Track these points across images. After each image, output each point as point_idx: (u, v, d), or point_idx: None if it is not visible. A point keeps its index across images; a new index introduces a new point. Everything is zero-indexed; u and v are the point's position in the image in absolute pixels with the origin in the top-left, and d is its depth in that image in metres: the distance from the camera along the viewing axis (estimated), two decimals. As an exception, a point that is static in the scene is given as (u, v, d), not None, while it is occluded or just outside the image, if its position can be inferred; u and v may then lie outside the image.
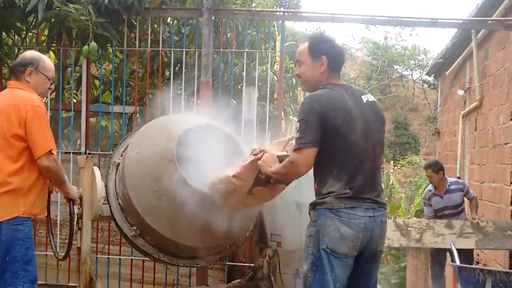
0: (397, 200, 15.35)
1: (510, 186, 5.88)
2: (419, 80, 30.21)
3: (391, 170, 20.29)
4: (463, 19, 5.93)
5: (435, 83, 11.57)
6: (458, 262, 4.83)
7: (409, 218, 12.83)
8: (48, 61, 3.51)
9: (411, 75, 31.54)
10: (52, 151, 3.23)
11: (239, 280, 4.50)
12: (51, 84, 3.57)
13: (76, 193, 3.51)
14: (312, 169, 2.77)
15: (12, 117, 3.22)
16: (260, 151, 2.93)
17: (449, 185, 6.12)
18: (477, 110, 7.59)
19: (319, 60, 2.77)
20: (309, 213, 2.86)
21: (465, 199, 6.41)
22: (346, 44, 28.73)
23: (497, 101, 6.56)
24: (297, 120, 2.78)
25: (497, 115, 6.51)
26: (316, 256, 2.68)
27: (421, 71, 28.97)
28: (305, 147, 2.64)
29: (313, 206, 2.81)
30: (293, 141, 2.79)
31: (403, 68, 31.86)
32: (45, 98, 4.38)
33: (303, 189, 4.54)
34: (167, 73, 5.40)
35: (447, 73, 9.84)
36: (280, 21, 5.71)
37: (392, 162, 23.72)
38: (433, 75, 12.53)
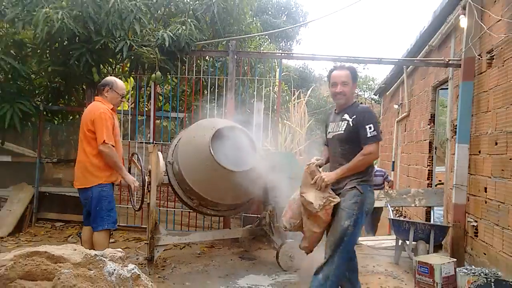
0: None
1: (426, 167, 5.89)
2: (369, 98, 30.02)
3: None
4: (399, 58, 5.94)
5: (380, 100, 11.57)
6: (391, 217, 4.85)
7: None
8: (120, 82, 3.55)
9: (364, 94, 31.34)
10: (106, 142, 3.23)
11: (250, 225, 4.56)
12: (122, 98, 3.58)
13: (131, 180, 3.46)
14: (343, 153, 2.73)
15: (88, 118, 3.31)
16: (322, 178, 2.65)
17: (375, 172, 6.25)
18: (406, 118, 7.57)
19: (355, 84, 2.83)
20: (355, 187, 2.65)
21: (385, 182, 6.79)
22: (321, 74, 28.61)
23: (419, 113, 6.55)
24: (367, 123, 2.65)
25: (419, 121, 6.50)
26: (359, 216, 2.62)
27: (370, 92, 28.86)
28: (379, 140, 2.69)
29: (359, 182, 2.67)
30: (315, 163, 2.75)
31: (359, 90, 31.65)
32: (120, 107, 4.48)
33: (293, 168, 4.62)
34: (206, 92, 5.44)
35: (387, 93, 9.78)
36: (278, 60, 5.74)
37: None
38: (378, 95, 12.45)
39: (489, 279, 2.73)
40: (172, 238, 3.89)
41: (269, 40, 10.83)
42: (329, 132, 2.87)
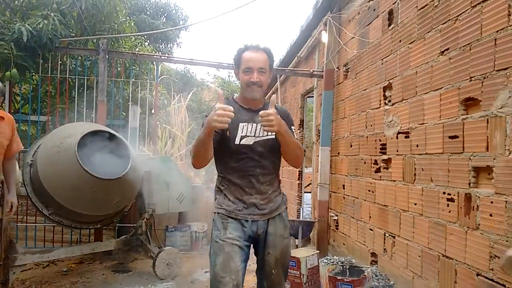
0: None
1: (297, 169, 6.40)
2: (250, 103, 31.40)
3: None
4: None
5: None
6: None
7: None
8: None
9: (245, 100, 32.65)
10: None
11: (125, 236, 4.35)
12: None
13: None
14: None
15: None
16: None
17: None
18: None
19: (270, 73, 2.04)
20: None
21: None
22: (204, 78, 28.88)
23: (291, 118, 7.07)
24: (292, 125, 2.04)
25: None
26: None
27: (251, 97, 30.23)
28: None
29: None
30: None
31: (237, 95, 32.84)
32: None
33: (171, 174, 4.57)
34: (73, 93, 5.02)
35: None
36: (157, 62, 5.62)
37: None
38: (257, 100, 13.04)
39: (344, 267, 3.10)
40: (31, 256, 3.48)
41: (148, 41, 10.51)
42: (243, 137, 1.92)
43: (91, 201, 3.49)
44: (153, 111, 5.58)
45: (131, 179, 3.66)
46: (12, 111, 4.66)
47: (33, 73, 4.63)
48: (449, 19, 2.30)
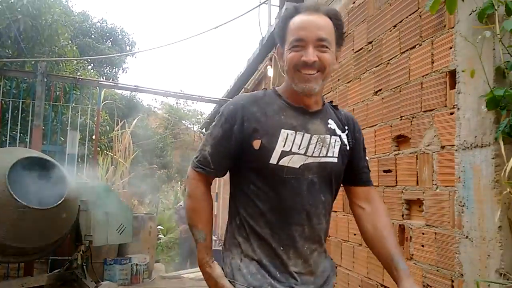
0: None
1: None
2: (198, 131, 31.22)
3: (178, 188, 20.40)
4: (219, 98, 6.40)
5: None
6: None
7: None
8: None
9: (193, 127, 32.45)
10: None
11: (59, 270, 4.05)
12: None
13: None
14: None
15: None
16: None
17: None
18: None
19: (339, 50, 1.30)
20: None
21: None
22: (150, 104, 28.54)
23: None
24: (364, 144, 1.46)
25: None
26: None
27: (199, 125, 30.11)
28: None
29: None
30: None
31: (188, 122, 32.62)
32: None
33: (111, 203, 4.37)
34: (7, 117, 4.70)
35: (210, 126, 10.34)
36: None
37: (179, 182, 23.83)
38: (204, 128, 13.10)
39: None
40: None
41: (92, 64, 10.21)
42: (286, 153, 1.20)
43: (21, 232, 3.23)
44: (93, 137, 5.38)
45: (67, 209, 3.46)
46: None
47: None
48: (381, 63, 2.50)
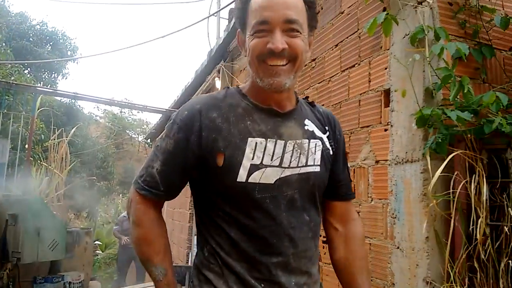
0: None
1: (188, 210, 6.28)
2: (143, 141, 30.37)
3: (120, 201, 19.67)
4: (165, 108, 6.28)
5: (151, 144, 11.83)
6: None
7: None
8: None
9: (138, 137, 31.49)
10: None
11: (-22, 291, 3.68)
12: None
13: None
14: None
15: None
16: None
17: (124, 216, 6.22)
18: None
19: (312, 35, 1.09)
20: None
21: None
22: (92, 112, 27.33)
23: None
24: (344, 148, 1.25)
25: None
26: None
27: (144, 135, 29.31)
28: None
29: None
30: None
31: (132, 132, 31.62)
32: None
33: (43, 217, 4.09)
34: None
35: (157, 139, 10.11)
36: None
37: (120, 195, 22.98)
38: (150, 139, 12.73)
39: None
40: None
41: (29, 69, 9.59)
42: (256, 167, 0.99)
43: None
44: (26, 146, 5.02)
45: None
46: None
47: None
48: (324, 80, 2.60)
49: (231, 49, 4.74)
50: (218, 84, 4.82)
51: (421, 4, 1.74)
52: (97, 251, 11.10)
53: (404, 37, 1.79)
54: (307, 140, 1.06)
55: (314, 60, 2.76)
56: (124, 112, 31.27)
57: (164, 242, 1.04)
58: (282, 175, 0.99)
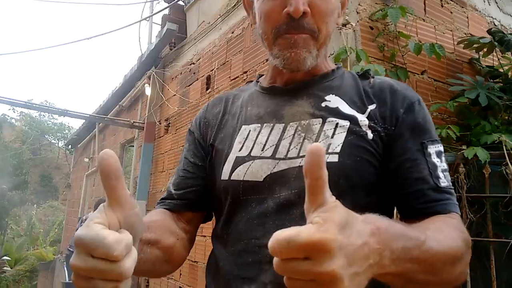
0: (36, 234, 13.59)
1: None
2: (63, 147, 28.44)
3: (34, 212, 18.15)
4: (88, 114, 5.94)
5: (72, 151, 11.02)
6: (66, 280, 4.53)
7: (45, 247, 11.55)
8: None
9: (58, 143, 29.37)
10: None
11: None
12: None
13: None
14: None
15: None
16: None
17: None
18: (95, 172, 7.54)
19: (342, 4, 0.83)
20: None
21: None
22: (6, 114, 24.92)
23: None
24: (430, 136, 0.73)
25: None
26: None
27: (65, 141, 27.48)
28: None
29: None
30: None
31: (52, 137, 29.43)
32: None
33: None
34: None
35: (79, 145, 9.52)
36: None
37: (35, 205, 21.16)
38: (71, 145, 11.94)
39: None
40: None
41: None
42: (242, 160, 0.77)
43: None
44: None
45: None
46: None
47: None
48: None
49: (163, 55, 4.65)
50: (148, 90, 4.68)
51: (345, 27, 1.85)
52: (5, 268, 10.07)
53: (329, 56, 1.89)
54: (319, 120, 0.74)
55: (245, 72, 2.80)
56: (44, 116, 29.09)
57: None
58: (275, 169, 0.72)
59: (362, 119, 0.73)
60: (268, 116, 0.79)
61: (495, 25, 2.81)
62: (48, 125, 29.54)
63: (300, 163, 0.71)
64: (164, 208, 0.82)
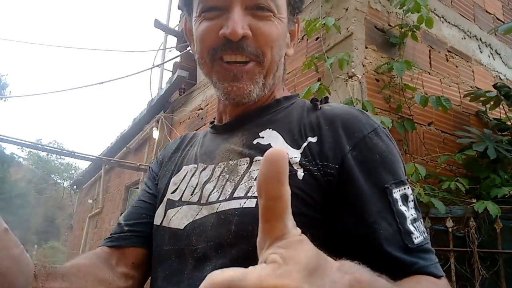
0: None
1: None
2: (68, 187, 28.49)
3: (34, 253, 17.90)
4: (95, 156, 6.01)
5: (77, 191, 11.03)
6: None
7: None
8: None
9: (63, 183, 29.48)
10: None
11: None
12: None
13: None
14: None
15: None
16: None
17: None
18: (98, 214, 7.48)
19: (296, 21, 0.74)
20: None
21: None
22: (15, 153, 25.26)
23: (111, 210, 6.64)
24: (394, 175, 0.57)
25: (110, 219, 6.56)
26: None
27: (71, 181, 27.58)
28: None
29: None
30: None
31: (58, 177, 29.60)
32: None
33: None
34: None
35: (83, 186, 9.54)
36: None
37: (36, 246, 20.85)
38: (76, 185, 11.95)
39: None
40: None
41: None
42: (174, 203, 0.70)
43: None
44: None
45: None
46: None
47: None
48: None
49: (172, 100, 4.75)
50: (155, 134, 4.74)
51: (352, 78, 1.89)
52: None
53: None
54: (247, 159, 0.63)
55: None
56: (51, 155, 29.47)
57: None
58: (197, 217, 0.63)
59: (295, 155, 0.60)
60: (204, 156, 0.72)
61: (501, 79, 2.85)
62: (55, 165, 29.82)
63: (218, 208, 0.60)
64: (107, 246, 0.72)
